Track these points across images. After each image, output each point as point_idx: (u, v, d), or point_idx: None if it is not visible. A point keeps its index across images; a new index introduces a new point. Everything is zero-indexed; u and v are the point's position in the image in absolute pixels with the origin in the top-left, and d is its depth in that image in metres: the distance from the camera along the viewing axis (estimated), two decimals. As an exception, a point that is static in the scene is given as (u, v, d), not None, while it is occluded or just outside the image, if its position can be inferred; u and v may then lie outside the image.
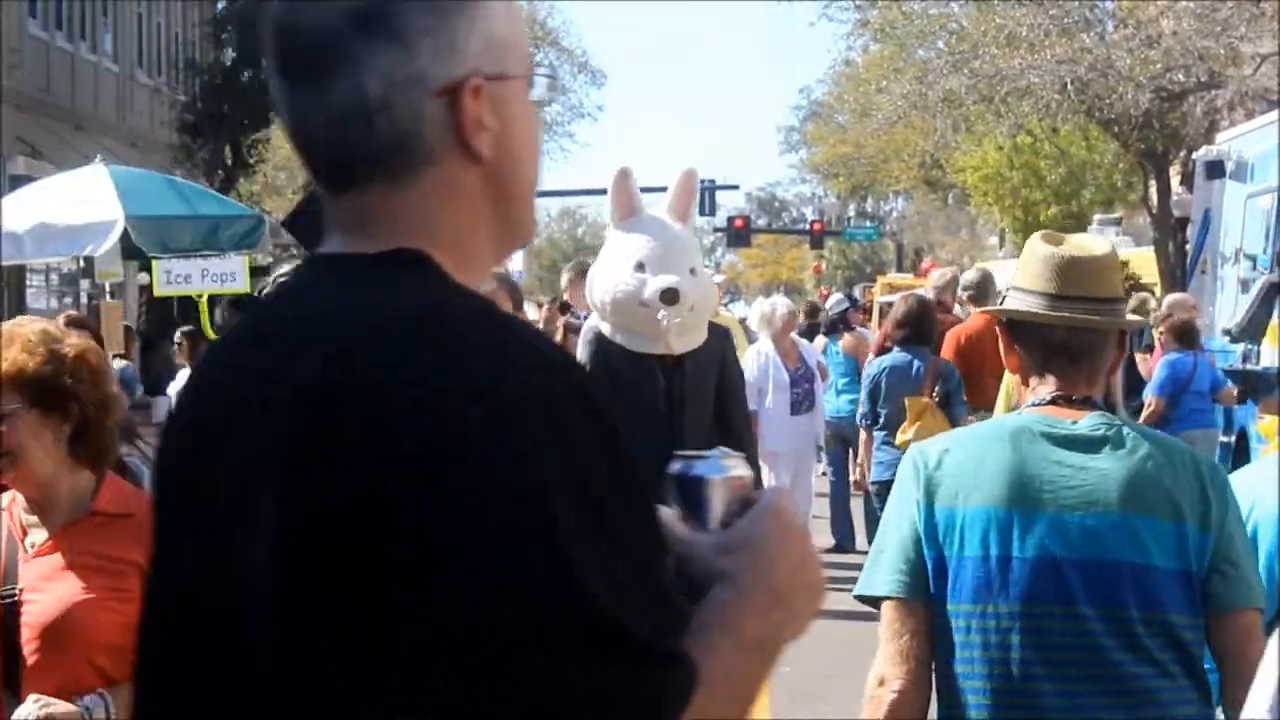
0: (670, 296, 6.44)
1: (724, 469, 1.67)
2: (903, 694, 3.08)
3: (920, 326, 9.89)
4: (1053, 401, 3.16)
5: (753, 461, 6.91)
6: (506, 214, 1.67)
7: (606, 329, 6.73)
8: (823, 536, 13.01)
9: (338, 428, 1.48)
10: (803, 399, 12.62)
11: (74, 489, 3.45)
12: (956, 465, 3.10)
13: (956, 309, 11.91)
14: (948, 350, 10.08)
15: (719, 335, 6.90)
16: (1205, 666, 3.10)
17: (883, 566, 3.11)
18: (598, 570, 1.46)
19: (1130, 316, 3.37)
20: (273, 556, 1.49)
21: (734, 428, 6.77)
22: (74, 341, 3.46)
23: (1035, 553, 3.03)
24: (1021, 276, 3.26)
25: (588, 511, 1.47)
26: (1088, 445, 3.10)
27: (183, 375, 14.50)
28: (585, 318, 8.63)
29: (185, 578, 1.61)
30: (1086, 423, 3.13)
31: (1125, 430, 3.14)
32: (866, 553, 3.23)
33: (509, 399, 1.48)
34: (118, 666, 3.36)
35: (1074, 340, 3.18)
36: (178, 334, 14.99)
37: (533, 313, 21.81)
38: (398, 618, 1.45)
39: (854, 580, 3.15)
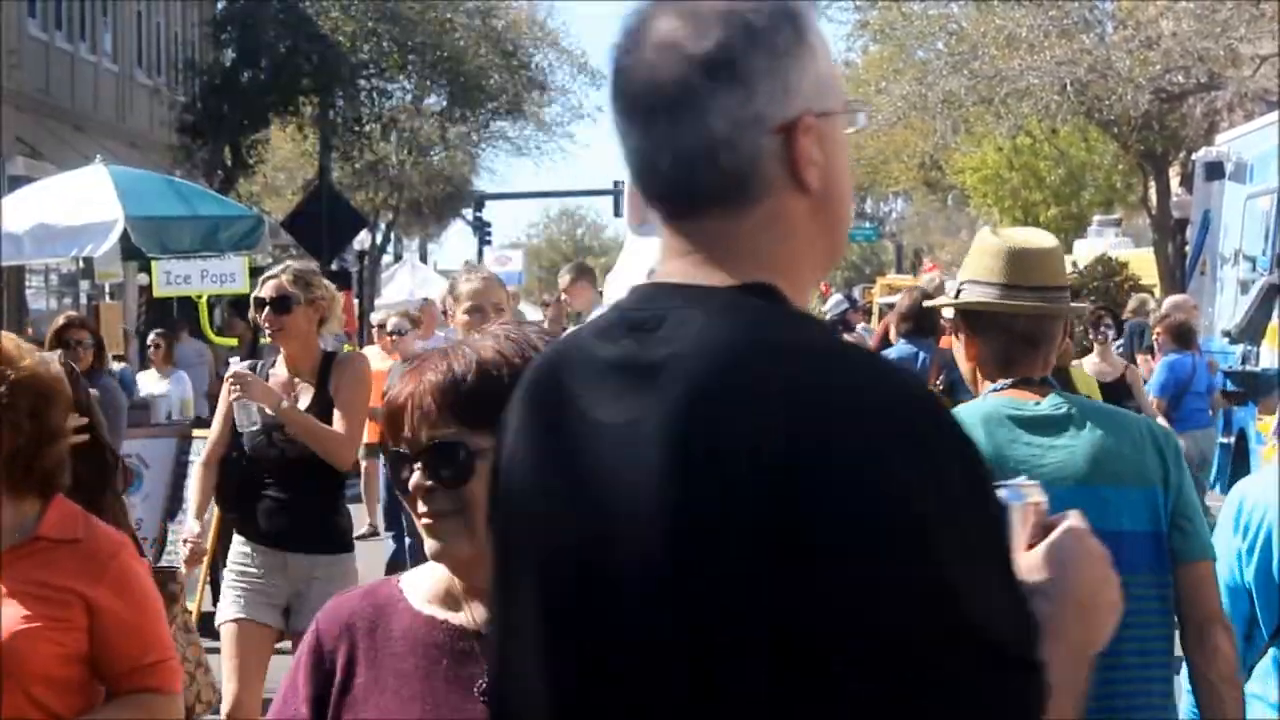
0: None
1: (1023, 495, 1.80)
2: None
3: (924, 319, 9.91)
4: (1014, 385, 3.36)
5: None
6: (828, 239, 1.79)
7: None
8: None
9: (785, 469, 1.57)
10: (802, 400, 12.60)
11: (15, 515, 3.26)
12: None
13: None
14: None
15: None
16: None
17: None
18: (971, 584, 1.58)
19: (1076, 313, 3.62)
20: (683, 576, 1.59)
21: None
22: (27, 365, 3.24)
23: None
24: (974, 269, 3.43)
25: (962, 535, 1.59)
26: (1051, 424, 3.30)
27: (145, 378, 14.29)
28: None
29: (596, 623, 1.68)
30: (1048, 403, 3.34)
31: (1082, 408, 3.35)
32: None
33: (888, 425, 1.60)
34: (58, 699, 3.22)
35: (1032, 327, 3.38)
36: (152, 335, 14.74)
37: (533, 313, 21.81)
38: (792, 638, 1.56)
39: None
